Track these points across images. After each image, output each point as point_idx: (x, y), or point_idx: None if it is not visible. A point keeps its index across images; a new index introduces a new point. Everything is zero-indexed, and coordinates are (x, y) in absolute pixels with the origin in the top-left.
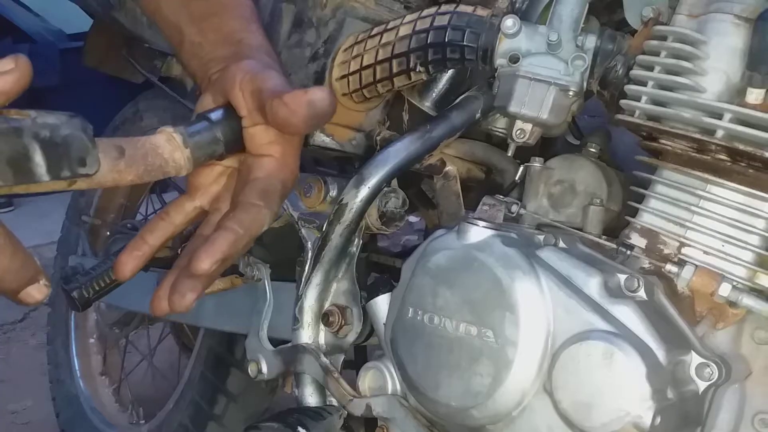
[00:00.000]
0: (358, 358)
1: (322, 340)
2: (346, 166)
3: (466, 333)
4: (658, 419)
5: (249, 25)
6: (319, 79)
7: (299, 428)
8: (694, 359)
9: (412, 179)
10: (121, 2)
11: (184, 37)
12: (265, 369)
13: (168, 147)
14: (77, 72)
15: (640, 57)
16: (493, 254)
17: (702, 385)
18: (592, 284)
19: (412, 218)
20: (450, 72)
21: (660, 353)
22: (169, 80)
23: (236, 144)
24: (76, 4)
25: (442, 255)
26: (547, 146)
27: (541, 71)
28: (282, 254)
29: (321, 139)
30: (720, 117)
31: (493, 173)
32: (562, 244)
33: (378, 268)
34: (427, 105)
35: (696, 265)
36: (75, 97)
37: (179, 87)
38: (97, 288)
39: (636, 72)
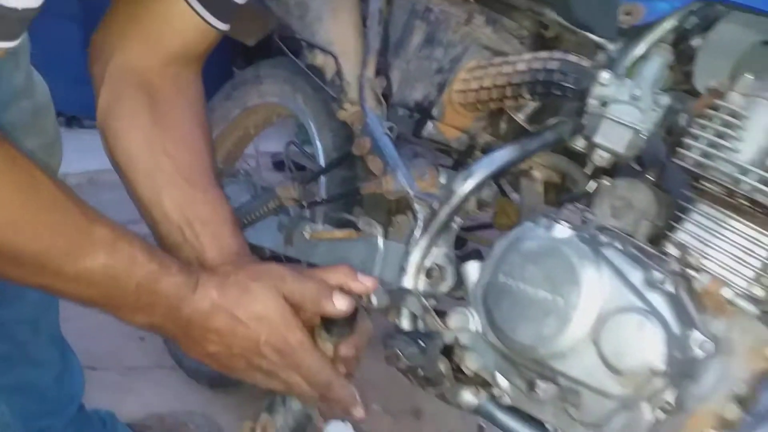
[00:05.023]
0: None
1: (420, 288)
2: (444, 155)
3: (543, 297)
4: (668, 368)
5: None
6: (440, 88)
7: (419, 341)
8: (698, 336)
9: None
10: None
11: (184, 234)
12: (375, 301)
13: None
14: None
15: (698, 119)
16: (571, 246)
17: (700, 355)
18: (635, 276)
19: None
20: None
21: (675, 328)
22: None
23: None
24: None
25: (532, 241)
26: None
27: (624, 117)
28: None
29: (432, 132)
30: (746, 174)
31: (566, 181)
32: (618, 245)
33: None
34: (521, 118)
35: (710, 274)
36: None
37: (319, 74)
38: None
39: (693, 129)
